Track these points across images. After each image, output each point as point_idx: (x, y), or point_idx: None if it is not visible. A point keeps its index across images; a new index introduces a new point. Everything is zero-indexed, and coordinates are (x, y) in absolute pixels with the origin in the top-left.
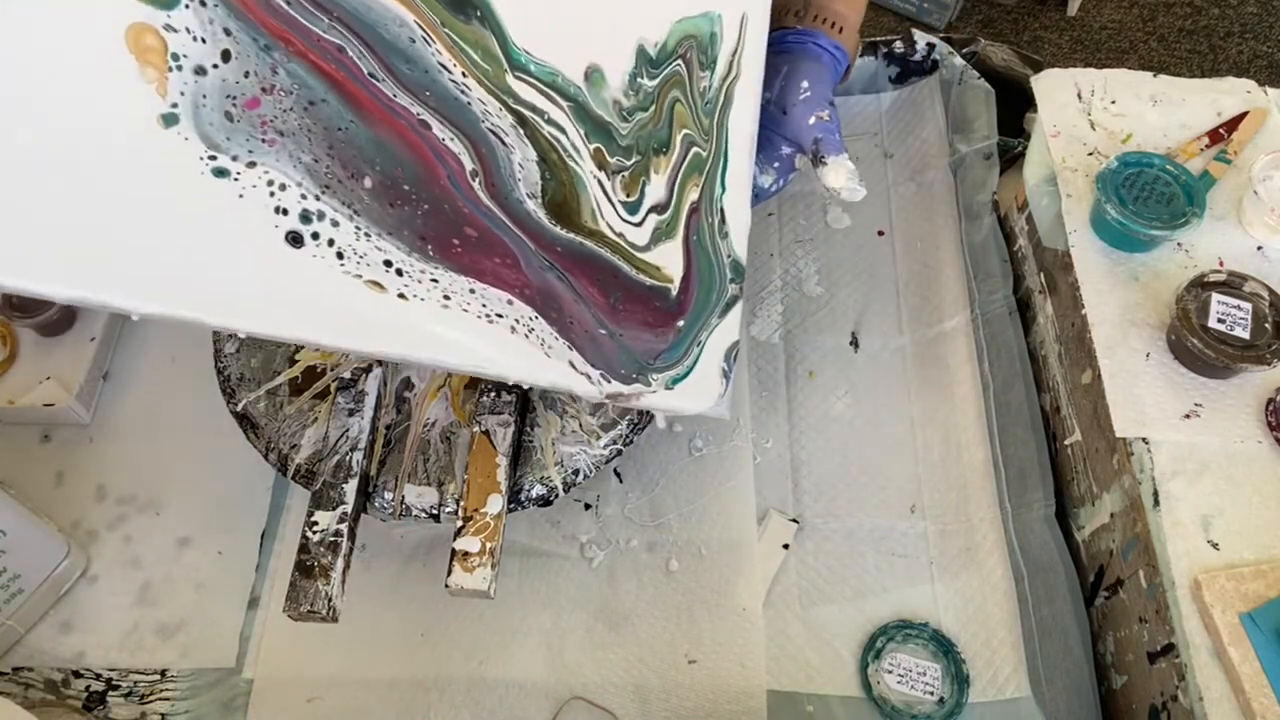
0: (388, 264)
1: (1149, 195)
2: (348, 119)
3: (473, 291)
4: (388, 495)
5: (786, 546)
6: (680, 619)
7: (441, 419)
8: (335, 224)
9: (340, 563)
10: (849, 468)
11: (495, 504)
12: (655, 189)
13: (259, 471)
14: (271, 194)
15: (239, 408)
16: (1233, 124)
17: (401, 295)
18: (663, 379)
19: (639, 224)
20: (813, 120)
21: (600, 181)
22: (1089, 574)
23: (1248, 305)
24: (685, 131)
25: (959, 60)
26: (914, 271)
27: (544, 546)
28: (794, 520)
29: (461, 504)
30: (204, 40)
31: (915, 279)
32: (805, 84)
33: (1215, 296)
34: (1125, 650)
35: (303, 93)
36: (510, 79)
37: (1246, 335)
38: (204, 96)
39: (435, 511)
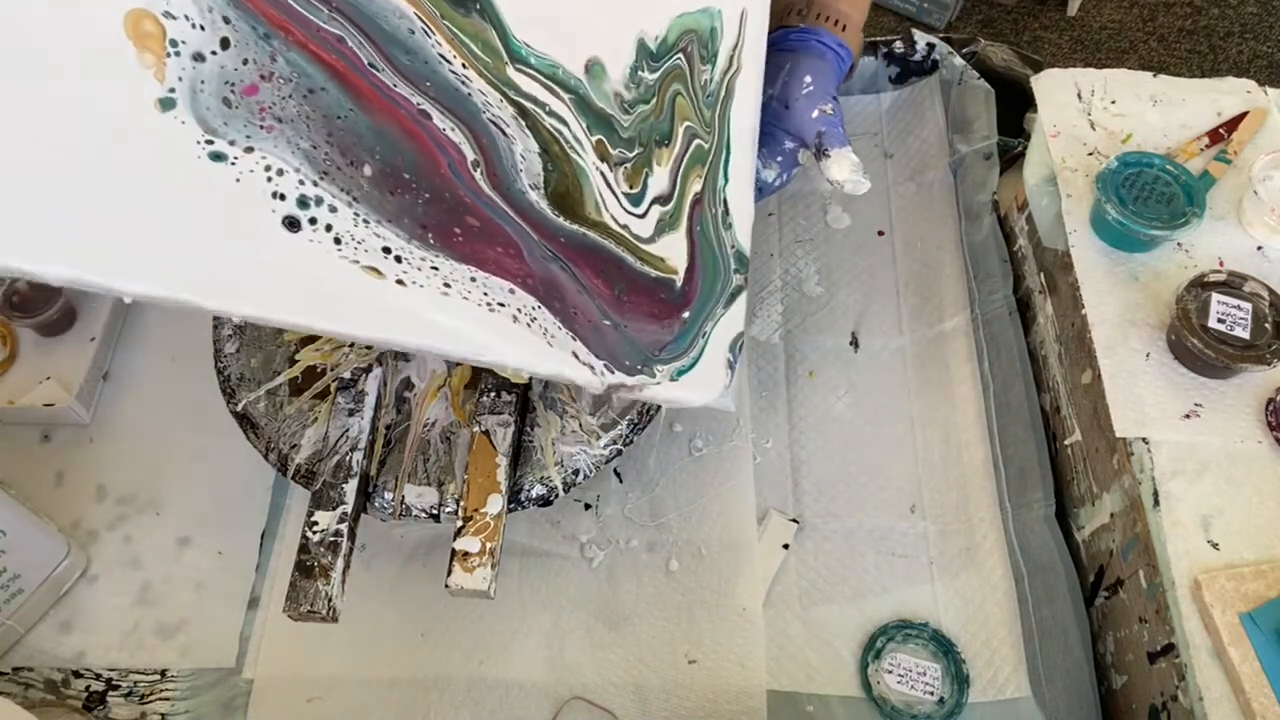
0: (386, 250)
1: (1149, 195)
2: (347, 107)
3: (474, 280)
4: (388, 495)
5: (786, 546)
6: (680, 619)
7: (441, 419)
8: (333, 210)
9: (340, 563)
10: (849, 468)
11: (495, 504)
12: (658, 181)
13: (259, 471)
14: (269, 179)
15: (239, 408)
16: (1233, 124)
17: (400, 282)
18: (668, 370)
19: (642, 215)
20: (816, 114)
21: (603, 173)
22: (1089, 574)
23: (1248, 305)
24: (687, 124)
25: (959, 60)
26: (914, 271)
27: (544, 546)
28: (794, 520)
29: (461, 504)
30: (203, 27)
31: (915, 279)
32: (808, 79)
33: (1215, 296)
34: (1125, 650)
35: (302, 81)
36: (511, 71)
37: (1246, 335)
38: (202, 82)
39: (435, 511)
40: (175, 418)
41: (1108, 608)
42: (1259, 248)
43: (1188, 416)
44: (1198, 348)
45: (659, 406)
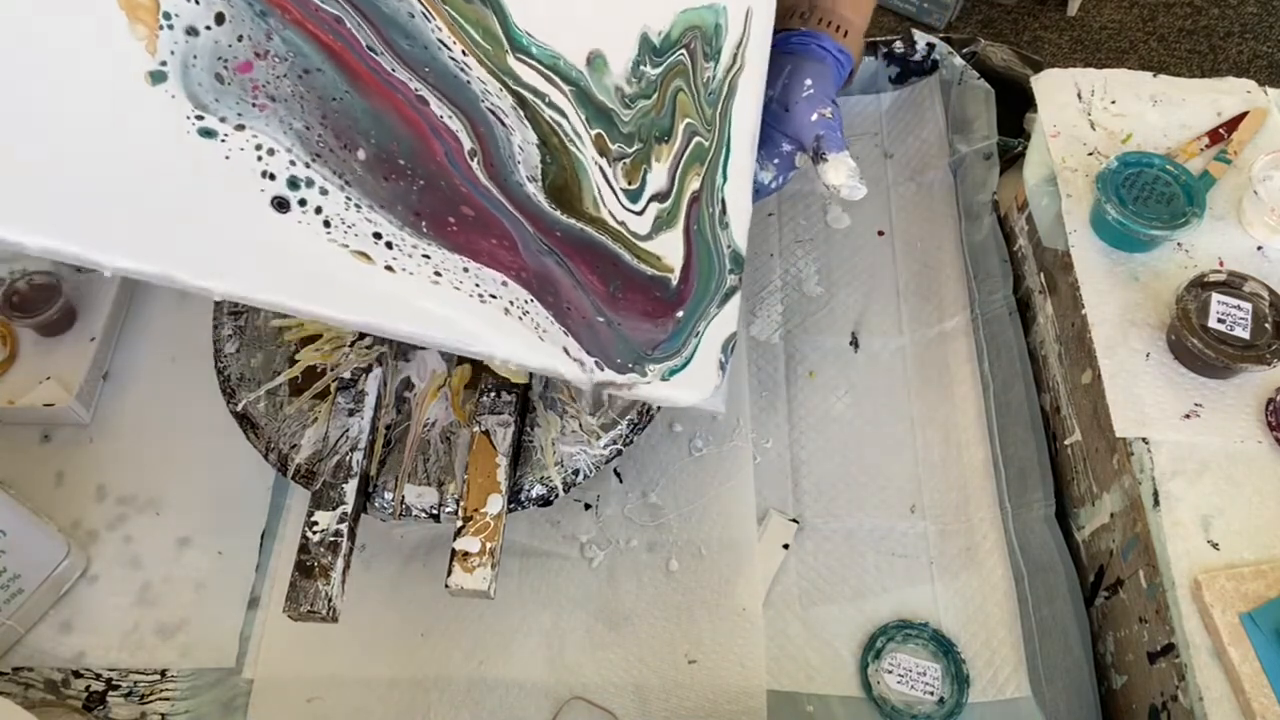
0: (377, 236)
1: (1149, 195)
2: (343, 89)
3: (466, 270)
4: (388, 495)
5: (786, 546)
6: (680, 619)
7: (441, 419)
8: (324, 192)
9: (340, 563)
10: (849, 468)
11: (495, 504)
12: (657, 177)
13: (259, 471)
14: (259, 158)
15: (239, 408)
16: (1233, 124)
17: (389, 268)
18: (659, 370)
19: (640, 212)
20: (815, 117)
21: (602, 168)
22: (1089, 574)
23: (1248, 305)
24: (688, 121)
25: (959, 60)
26: (914, 271)
27: (544, 546)
28: (794, 520)
29: (461, 504)
30: (197, 1)
31: (915, 279)
32: (808, 82)
33: (1215, 296)
34: (1125, 650)
35: (298, 60)
36: (511, 60)
37: (1246, 335)
38: (194, 57)
39: (435, 511)
40: (175, 418)
41: (1108, 608)
42: (1259, 248)
43: (1188, 416)
44: (1198, 348)
45: (659, 406)
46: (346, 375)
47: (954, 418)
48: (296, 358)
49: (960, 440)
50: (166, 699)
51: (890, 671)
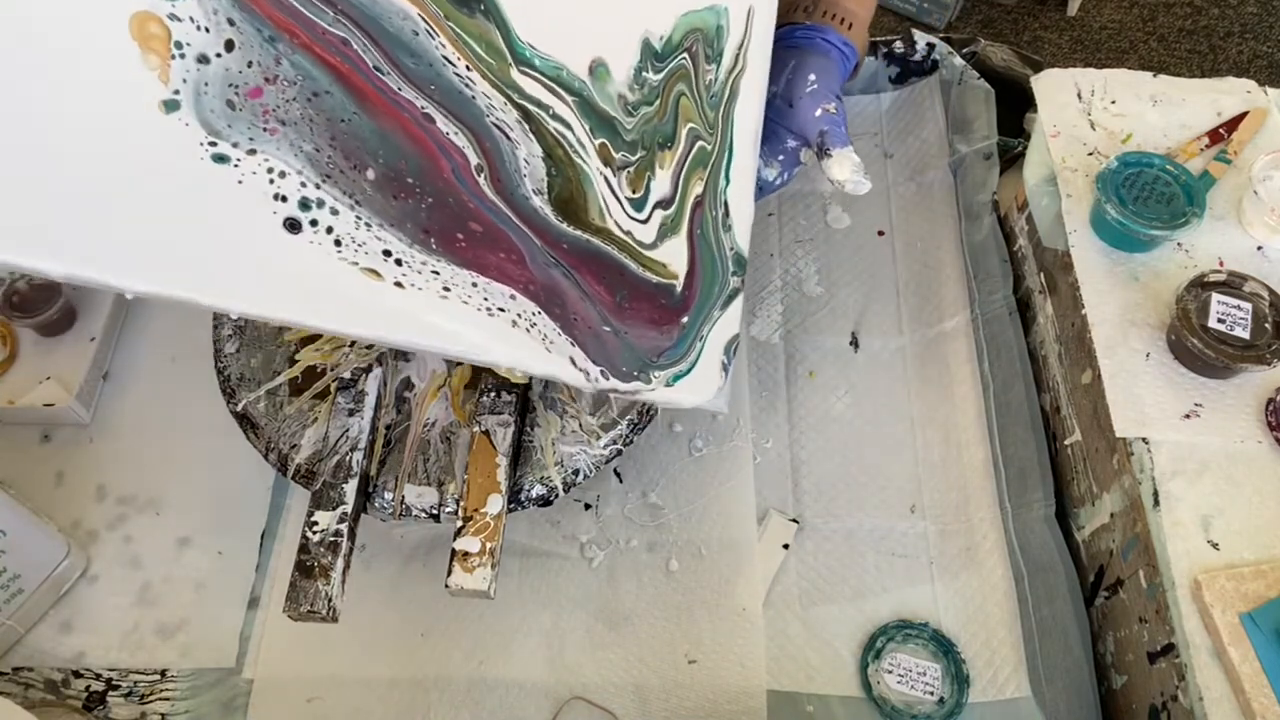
0: (387, 253)
1: (1149, 195)
2: (351, 111)
3: (475, 285)
4: (388, 495)
5: (786, 546)
6: (680, 619)
7: (441, 419)
8: (335, 212)
9: (340, 563)
10: (849, 468)
11: (495, 504)
12: (660, 184)
13: (259, 471)
14: (271, 181)
15: (239, 408)
16: (1233, 124)
17: (399, 284)
18: (664, 376)
19: (645, 220)
20: (819, 113)
21: (606, 178)
22: (1089, 574)
23: (1248, 305)
24: (690, 125)
25: (959, 60)
26: (914, 271)
27: (544, 546)
28: (794, 520)
29: (461, 504)
30: (207, 29)
31: (915, 279)
32: (812, 77)
33: (1215, 296)
34: (1125, 650)
35: (306, 84)
36: (515, 73)
37: (1246, 335)
38: (206, 84)
39: (435, 511)
40: (175, 418)
41: (1108, 608)
42: (1259, 248)
43: (1188, 416)
44: (1198, 348)
45: (658, 406)
46: (346, 375)
47: (954, 418)
48: (296, 358)
49: (960, 440)
50: (166, 699)
51: (890, 671)
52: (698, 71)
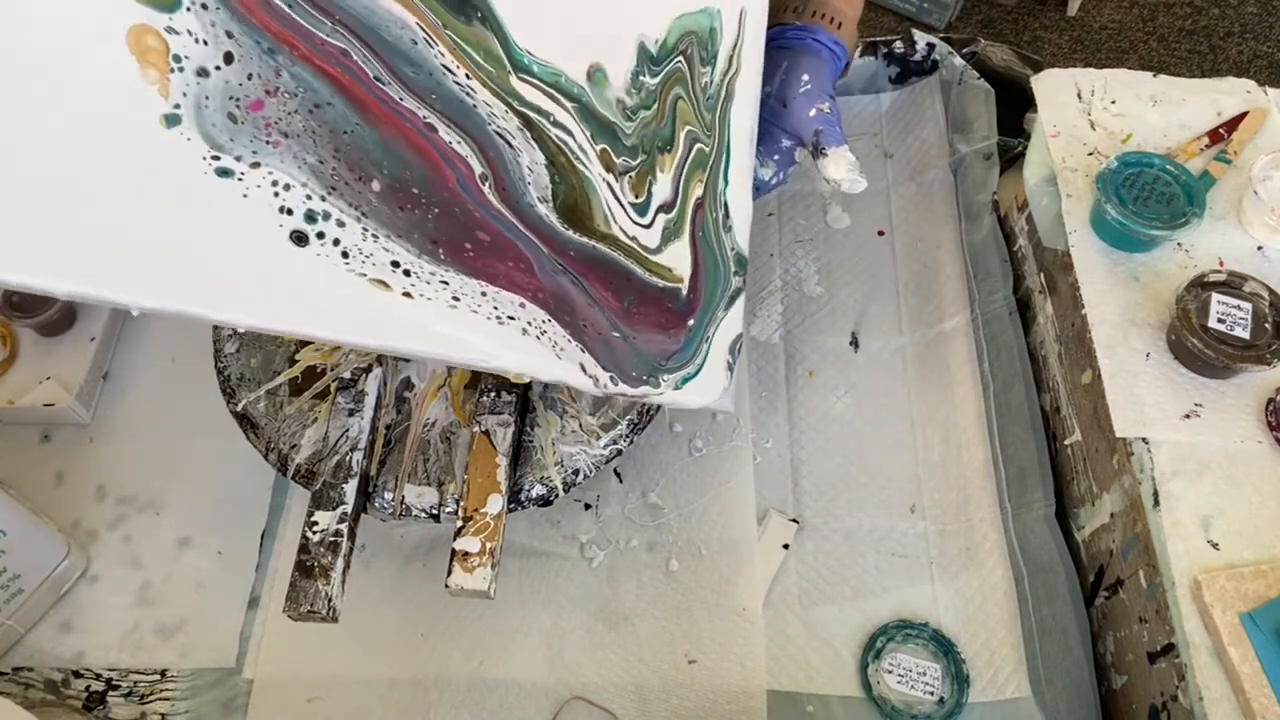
0: (395, 264)
1: (1149, 195)
2: (353, 122)
3: (484, 294)
4: (388, 495)
5: (786, 546)
6: (680, 619)
7: (441, 419)
8: (341, 224)
9: (340, 563)
10: (849, 468)
11: (495, 504)
12: (661, 188)
13: (259, 471)
14: (276, 194)
15: (239, 408)
16: (1233, 124)
17: (407, 294)
18: (673, 380)
19: (649, 225)
20: (813, 112)
21: (609, 184)
22: (1089, 574)
23: (1248, 305)
24: (688, 128)
25: (959, 60)
26: (914, 271)
27: (544, 546)
28: (794, 520)
29: (461, 504)
30: (206, 43)
31: (915, 279)
32: (805, 77)
33: (1215, 296)
34: (1125, 650)
35: (308, 96)
36: (514, 80)
37: (1246, 335)
38: (206, 98)
39: (435, 511)
40: (175, 418)
41: (1108, 608)
42: (1259, 248)
43: (1188, 416)
44: (1198, 348)
45: (659, 406)
46: (346, 375)
47: (954, 418)
48: (296, 358)
49: (960, 440)
50: (166, 699)
51: (890, 671)
52: (693, 74)
